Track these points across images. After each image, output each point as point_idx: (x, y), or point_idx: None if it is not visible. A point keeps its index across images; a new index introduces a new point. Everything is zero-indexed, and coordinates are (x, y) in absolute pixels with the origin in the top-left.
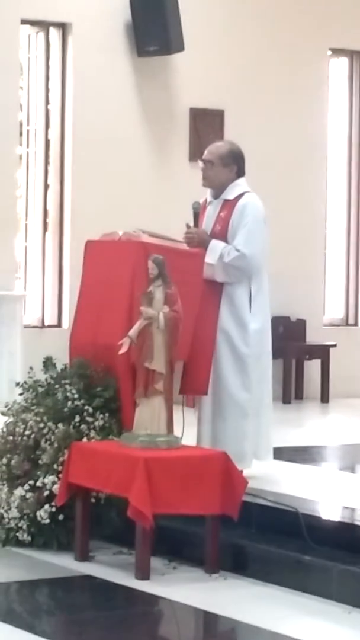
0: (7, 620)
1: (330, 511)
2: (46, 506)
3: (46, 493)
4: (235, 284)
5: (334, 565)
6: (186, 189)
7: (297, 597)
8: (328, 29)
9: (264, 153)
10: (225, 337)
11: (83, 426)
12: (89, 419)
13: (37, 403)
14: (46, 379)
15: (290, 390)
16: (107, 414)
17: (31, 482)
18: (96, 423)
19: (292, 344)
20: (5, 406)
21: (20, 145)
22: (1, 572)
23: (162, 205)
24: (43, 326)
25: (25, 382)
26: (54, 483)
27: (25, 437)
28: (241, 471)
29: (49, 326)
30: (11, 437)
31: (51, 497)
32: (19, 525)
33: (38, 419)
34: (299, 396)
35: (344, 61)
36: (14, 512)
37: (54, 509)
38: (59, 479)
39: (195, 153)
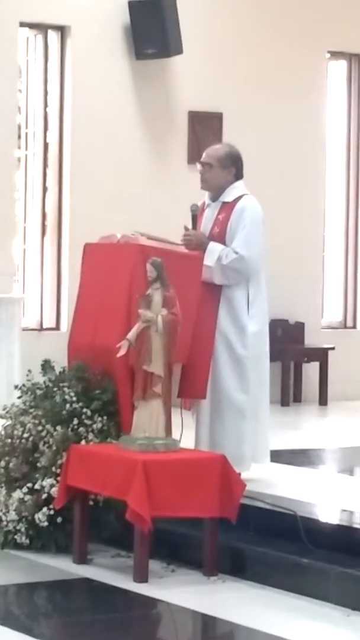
0: (5, 623)
1: (328, 514)
2: (44, 509)
3: (44, 496)
4: (233, 286)
5: (332, 567)
6: (184, 192)
7: (296, 600)
8: (326, 31)
9: (263, 155)
10: (224, 339)
11: (81, 429)
12: (88, 422)
13: (35, 406)
14: (44, 382)
15: (288, 393)
16: (105, 417)
17: (29, 484)
18: (94, 426)
19: (290, 346)
20: (4, 409)
21: (19, 148)
22: None
23: (161, 208)
24: (41, 329)
25: (23, 385)
26: (52, 486)
27: (23, 440)
28: (239, 474)
29: (47, 329)
30: (9, 440)
31: (49, 499)
32: (17, 528)
33: (36, 421)
34: (298, 399)
35: (342, 64)
36: (12, 515)
37: (52, 512)
38: (57, 481)
39: (193, 156)
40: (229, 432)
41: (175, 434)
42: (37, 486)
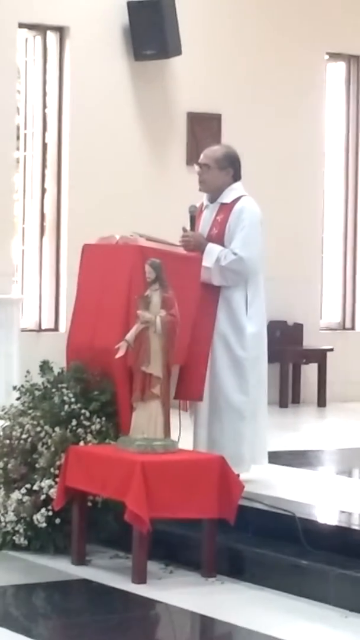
0: (3, 624)
1: (327, 515)
2: (43, 510)
3: (43, 497)
4: (232, 287)
5: (331, 569)
6: (183, 193)
7: (294, 601)
8: (325, 33)
9: (261, 157)
10: (222, 340)
11: (80, 430)
12: (86, 423)
13: (34, 407)
14: (43, 383)
15: (287, 394)
16: (104, 418)
17: (28, 485)
18: (93, 427)
19: (289, 348)
20: (2, 410)
21: (18, 149)
22: None
23: (159, 209)
24: (40, 330)
25: (22, 386)
26: (50, 487)
27: (22, 441)
28: (238, 475)
29: (46, 330)
30: (8, 441)
31: (48, 500)
32: (16, 529)
33: (35, 422)
34: (296, 400)
35: (341, 65)
36: (11, 516)
37: (50, 513)
38: (55, 482)
39: (192, 157)
40: (227, 433)
41: (174, 435)
42: (35, 487)
